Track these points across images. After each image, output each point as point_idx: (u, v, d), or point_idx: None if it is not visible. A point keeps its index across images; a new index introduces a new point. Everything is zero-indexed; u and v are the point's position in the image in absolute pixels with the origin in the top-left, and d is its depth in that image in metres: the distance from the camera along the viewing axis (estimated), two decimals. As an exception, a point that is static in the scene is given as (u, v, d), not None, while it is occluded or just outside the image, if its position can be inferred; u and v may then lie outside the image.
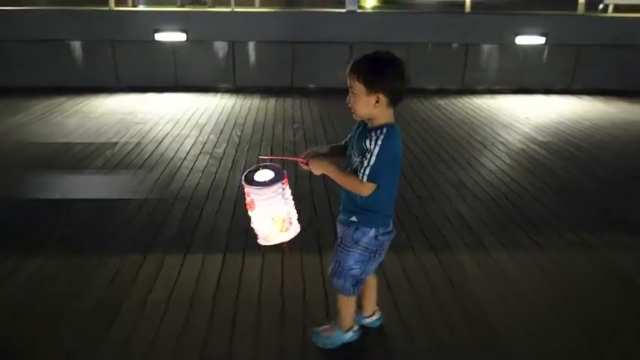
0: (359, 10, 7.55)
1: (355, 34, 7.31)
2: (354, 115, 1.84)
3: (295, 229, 1.88)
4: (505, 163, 4.73)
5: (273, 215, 1.79)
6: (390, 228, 1.99)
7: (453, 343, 2.23)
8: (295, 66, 7.59)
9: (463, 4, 7.65)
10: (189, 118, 6.03)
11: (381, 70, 1.73)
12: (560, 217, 3.55)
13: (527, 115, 6.42)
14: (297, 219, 1.88)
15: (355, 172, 1.81)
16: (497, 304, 2.52)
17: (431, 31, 7.49)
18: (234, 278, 2.69)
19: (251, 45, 7.52)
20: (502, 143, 5.33)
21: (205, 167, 4.42)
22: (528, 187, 4.13)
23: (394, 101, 1.77)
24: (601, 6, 8.62)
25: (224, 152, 4.85)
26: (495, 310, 2.46)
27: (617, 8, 8.59)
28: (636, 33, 7.74)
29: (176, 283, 2.64)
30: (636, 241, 3.26)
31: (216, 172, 4.30)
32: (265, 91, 7.44)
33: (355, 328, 2.22)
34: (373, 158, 1.75)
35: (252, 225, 1.83)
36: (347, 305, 2.13)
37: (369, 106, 1.76)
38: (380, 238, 1.95)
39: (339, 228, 2.07)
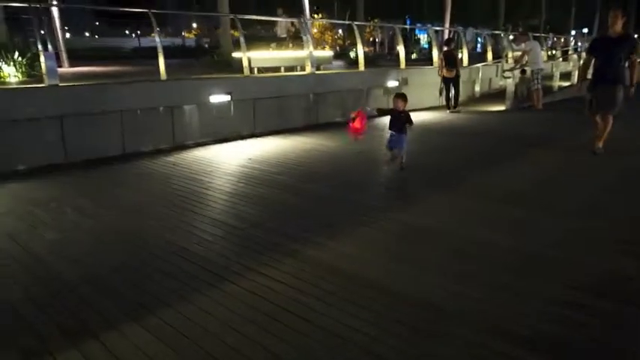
0: (62, 84, 7.56)
1: (65, 106, 7.31)
2: None
3: None
4: (262, 190, 6.02)
5: None
6: None
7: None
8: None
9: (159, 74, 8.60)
10: None
11: None
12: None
13: (249, 156, 7.83)
14: None
15: None
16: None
17: (141, 98, 8.13)
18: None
19: None
20: (253, 177, 6.57)
21: None
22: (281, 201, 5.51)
23: None
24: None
25: None
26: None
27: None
28: (283, 88, 10.24)
29: None
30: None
31: None
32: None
33: None
34: None
35: None
36: None
37: None
38: None
39: None
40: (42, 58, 7.31)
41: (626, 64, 7.25)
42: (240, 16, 10.32)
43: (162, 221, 5.04)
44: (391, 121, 6.74)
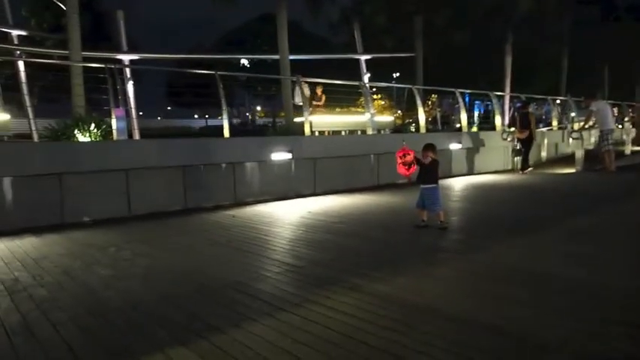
0: (128, 138, 7.81)
1: (130, 160, 7.50)
2: None
3: None
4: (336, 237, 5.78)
5: None
6: None
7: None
8: (66, 199, 7.15)
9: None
10: None
11: None
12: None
13: (309, 209, 7.67)
14: None
15: None
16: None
17: (204, 154, 8.27)
18: None
19: (6, 181, 6.77)
20: (312, 226, 6.37)
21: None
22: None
23: None
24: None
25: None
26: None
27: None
28: (344, 147, 10.18)
29: None
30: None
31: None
32: (29, 231, 6.28)
33: None
34: None
35: None
36: None
37: None
38: None
39: None
40: (112, 115, 7.64)
41: None
42: (303, 79, 10.56)
43: (217, 259, 4.88)
44: (420, 175, 6.01)
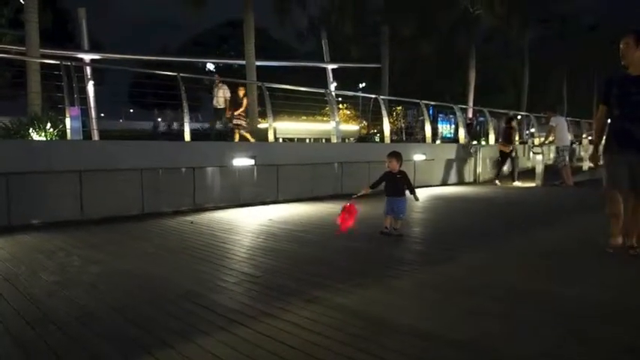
0: (84, 139, 7.50)
1: (84, 162, 7.17)
2: None
3: None
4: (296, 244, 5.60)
5: None
6: None
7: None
8: (13, 201, 6.79)
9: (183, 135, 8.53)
10: None
11: None
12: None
13: (270, 217, 7.50)
14: None
15: None
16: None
17: (163, 157, 7.99)
18: None
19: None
20: (273, 234, 6.19)
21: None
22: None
23: None
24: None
25: None
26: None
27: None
28: (308, 155, 10.07)
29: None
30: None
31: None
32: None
33: None
34: None
35: None
36: None
37: None
38: None
39: None
40: (67, 114, 7.32)
41: None
42: (268, 85, 10.39)
43: (173, 268, 4.67)
44: (387, 186, 5.83)
